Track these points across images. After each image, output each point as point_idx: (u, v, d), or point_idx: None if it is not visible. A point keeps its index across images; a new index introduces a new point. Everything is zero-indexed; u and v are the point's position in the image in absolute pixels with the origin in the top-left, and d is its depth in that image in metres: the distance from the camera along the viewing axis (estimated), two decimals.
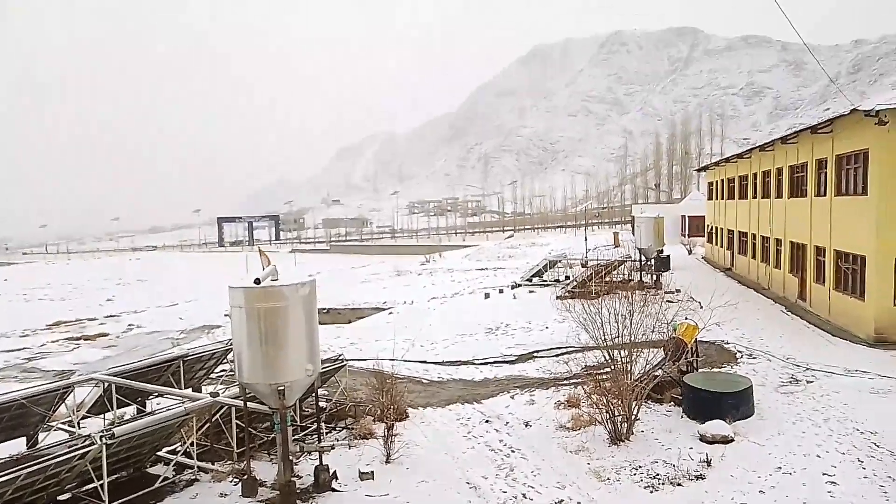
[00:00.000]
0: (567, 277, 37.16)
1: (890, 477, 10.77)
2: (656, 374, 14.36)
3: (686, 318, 16.28)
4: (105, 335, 32.83)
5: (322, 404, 14.32)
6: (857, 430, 12.75)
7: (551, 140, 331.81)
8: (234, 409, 12.61)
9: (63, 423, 14.80)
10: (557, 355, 19.95)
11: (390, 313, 32.45)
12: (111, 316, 40.62)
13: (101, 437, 10.41)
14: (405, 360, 20.43)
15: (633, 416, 12.96)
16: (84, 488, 11.08)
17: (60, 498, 11.11)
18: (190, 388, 16.77)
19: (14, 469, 9.45)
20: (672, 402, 14.74)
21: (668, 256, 39.79)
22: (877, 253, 19.75)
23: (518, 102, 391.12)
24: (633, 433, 12.93)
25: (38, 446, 13.93)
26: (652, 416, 14.03)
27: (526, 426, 14.26)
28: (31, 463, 9.76)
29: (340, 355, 17.27)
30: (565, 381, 15.99)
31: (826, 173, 23.82)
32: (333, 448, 12.64)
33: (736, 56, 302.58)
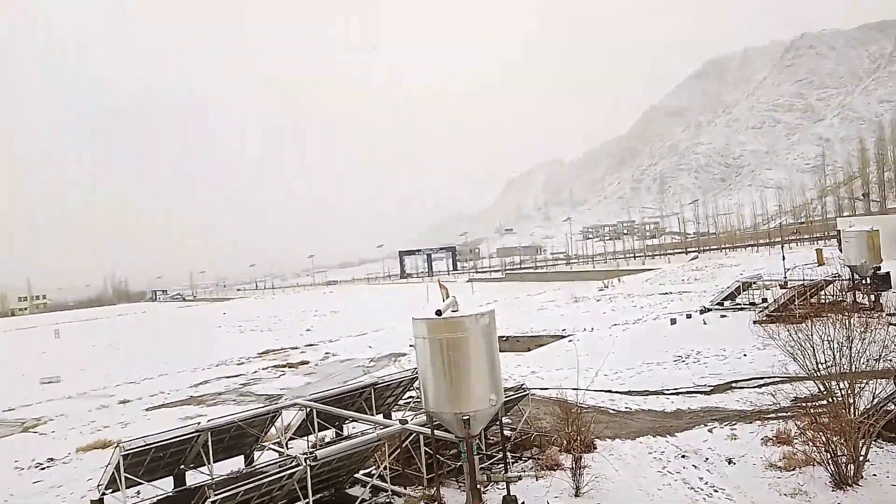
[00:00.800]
0: (764, 300, 33.97)
1: None
2: (888, 408, 12.44)
3: None
4: (306, 363, 35.70)
5: (506, 433, 14.24)
6: None
7: (733, 155, 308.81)
8: (422, 436, 12.94)
9: (273, 443, 16.20)
10: (760, 386, 18.19)
11: (570, 341, 31.77)
12: (310, 345, 44.15)
13: (305, 458, 11.18)
14: (590, 389, 19.76)
15: (862, 457, 11.31)
16: None
17: None
18: (381, 415, 17.60)
19: (234, 486, 10.43)
20: None
21: (888, 274, 34.85)
22: None
23: (693, 119, 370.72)
24: (861, 477, 11.27)
25: (253, 465, 15.36)
26: (886, 458, 12.17)
27: (729, 463, 13.04)
28: (249, 480, 10.72)
29: (523, 384, 17.20)
30: (772, 415, 14.45)
31: None
32: (521, 478, 12.46)
33: None
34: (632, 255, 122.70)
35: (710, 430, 15.31)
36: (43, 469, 17.54)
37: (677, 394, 19.33)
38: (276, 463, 14.51)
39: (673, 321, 32.95)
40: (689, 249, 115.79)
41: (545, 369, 24.90)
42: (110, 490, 13.26)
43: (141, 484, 13.55)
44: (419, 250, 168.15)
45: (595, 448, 14.36)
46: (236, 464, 15.45)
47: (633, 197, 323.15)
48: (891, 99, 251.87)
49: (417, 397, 18.71)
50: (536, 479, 12.86)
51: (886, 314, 23.78)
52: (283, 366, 35.26)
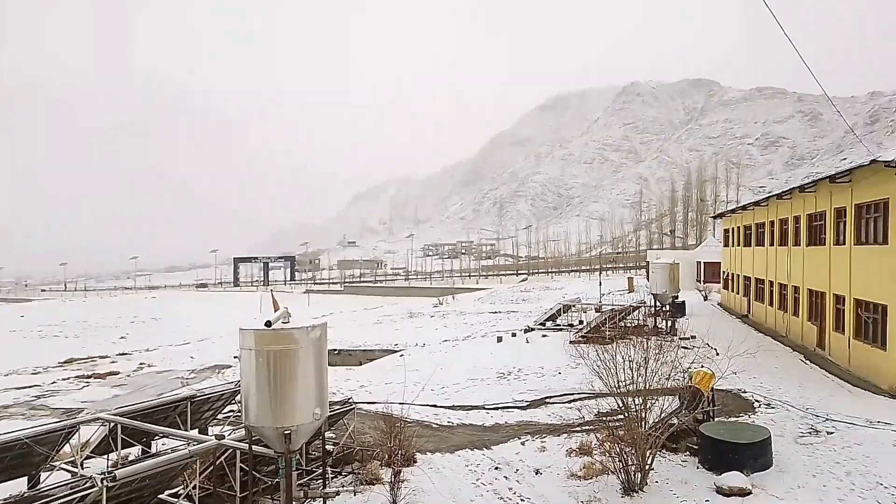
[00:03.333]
0: (581, 322, 36.71)
1: None
2: (672, 422, 13.97)
3: (702, 366, 15.91)
4: (116, 374, 32.74)
5: (329, 448, 14.06)
6: (881, 484, 12.25)
7: (566, 186, 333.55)
8: (239, 451, 12.39)
9: (66, 463, 14.60)
10: (570, 401, 19.54)
11: (402, 356, 32.13)
12: (123, 354, 40.64)
13: (102, 479, 10.22)
14: (415, 404, 20.11)
15: (648, 466, 12.57)
16: None
17: None
18: (196, 430, 16.60)
19: None
20: (688, 452, 14.32)
21: (684, 302, 39.33)
22: None
23: (534, 150, 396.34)
24: (647, 483, 12.52)
25: (38, 487, 13.74)
26: (667, 467, 13.59)
27: (536, 474, 13.88)
28: None
29: (349, 398, 17.08)
30: (578, 429, 15.60)
31: (845, 222, 23.52)
32: (339, 494, 12.35)
33: (751, 107, 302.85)
34: (468, 274, 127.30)
35: (522, 443, 16.19)
36: None
37: (497, 409, 20.23)
38: (68, 484, 13.13)
39: (499, 339, 34.53)
40: (519, 272, 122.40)
41: (374, 384, 24.94)
42: None
43: None
44: (256, 258, 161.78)
45: (415, 462, 14.60)
46: (19, 487, 13.74)
47: (474, 219, 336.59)
48: (698, 148, 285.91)
49: (238, 411, 17.89)
50: (354, 494, 12.81)
51: (678, 338, 26.74)
52: (88, 376, 32.05)
